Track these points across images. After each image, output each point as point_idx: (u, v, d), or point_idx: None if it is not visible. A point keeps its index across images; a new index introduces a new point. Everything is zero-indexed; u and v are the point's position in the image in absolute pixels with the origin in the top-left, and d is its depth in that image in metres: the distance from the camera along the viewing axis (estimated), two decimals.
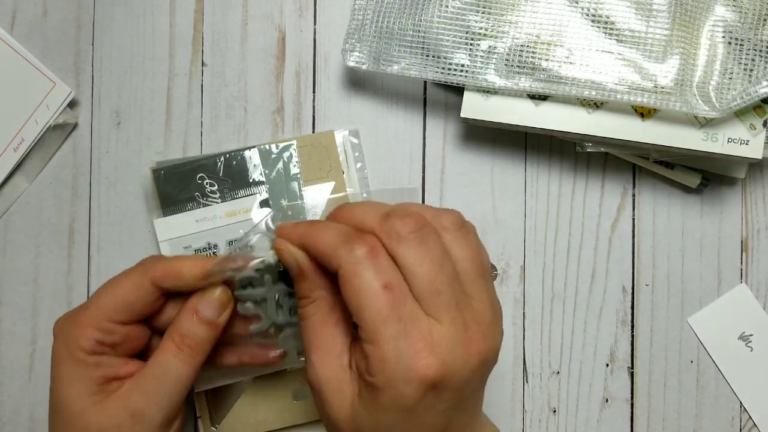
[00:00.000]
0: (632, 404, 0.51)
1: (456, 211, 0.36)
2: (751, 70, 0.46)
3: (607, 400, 0.51)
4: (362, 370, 0.34)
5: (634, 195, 0.51)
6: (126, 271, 0.41)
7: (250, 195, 0.51)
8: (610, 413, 0.51)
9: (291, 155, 0.51)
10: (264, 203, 0.50)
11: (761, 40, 0.46)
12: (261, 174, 0.51)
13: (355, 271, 0.34)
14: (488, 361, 0.35)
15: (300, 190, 0.51)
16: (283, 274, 0.40)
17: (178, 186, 0.51)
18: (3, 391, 0.52)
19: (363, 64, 0.50)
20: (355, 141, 0.52)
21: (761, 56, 0.46)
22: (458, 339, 0.33)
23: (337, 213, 0.38)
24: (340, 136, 0.52)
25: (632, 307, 0.51)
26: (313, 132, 0.52)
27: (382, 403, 0.33)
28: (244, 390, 0.50)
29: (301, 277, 0.37)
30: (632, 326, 0.51)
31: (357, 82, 0.53)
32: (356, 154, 0.52)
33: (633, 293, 0.51)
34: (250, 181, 0.51)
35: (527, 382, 0.51)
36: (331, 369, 0.35)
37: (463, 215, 0.36)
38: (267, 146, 0.51)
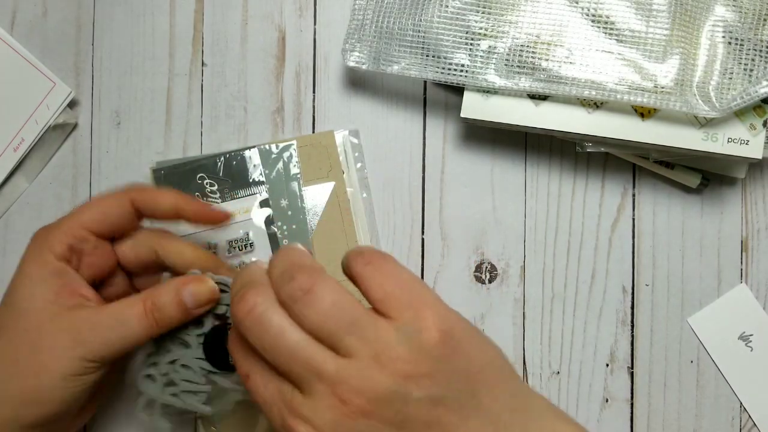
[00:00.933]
0: (632, 404, 0.51)
1: (300, 276, 0.34)
2: (751, 70, 0.46)
3: (607, 400, 0.51)
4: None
5: (634, 195, 0.51)
6: (109, 190, 0.44)
7: (250, 195, 0.51)
8: (610, 413, 0.51)
9: (291, 155, 0.51)
10: (264, 203, 0.51)
11: (761, 40, 0.46)
12: (261, 174, 0.51)
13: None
14: (376, 416, 0.33)
15: (300, 190, 0.51)
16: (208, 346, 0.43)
17: (178, 186, 0.50)
18: None
19: (363, 64, 0.50)
20: (355, 141, 0.52)
21: (761, 56, 0.46)
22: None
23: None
24: (340, 136, 0.52)
25: (632, 307, 0.51)
26: (313, 132, 0.52)
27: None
28: (244, 390, 0.50)
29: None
30: (632, 326, 0.51)
31: (357, 82, 0.53)
32: (356, 154, 0.52)
33: (633, 293, 0.51)
34: (250, 181, 0.51)
35: (527, 382, 0.51)
36: None
37: (309, 277, 0.34)
38: (267, 146, 0.51)
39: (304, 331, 0.34)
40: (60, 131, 0.53)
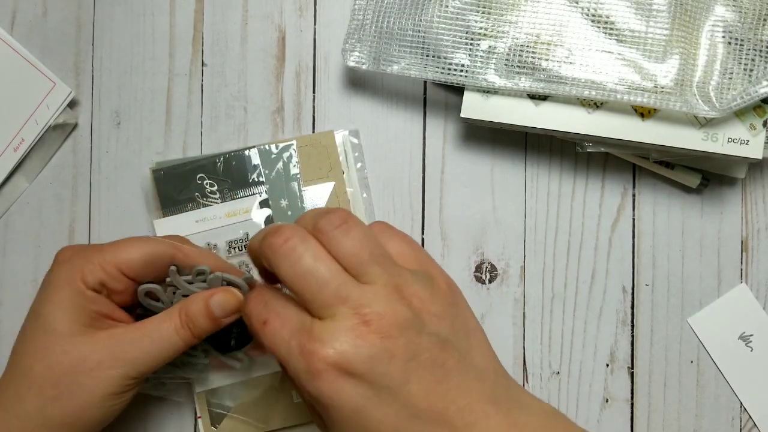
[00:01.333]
0: (632, 404, 0.51)
1: (337, 211, 0.37)
2: (751, 70, 0.46)
3: (607, 400, 0.51)
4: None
5: (634, 195, 0.51)
6: (155, 237, 0.44)
7: (249, 195, 0.51)
8: (610, 413, 0.51)
9: (291, 155, 0.51)
10: (264, 203, 0.50)
11: (761, 40, 0.46)
12: (260, 174, 0.51)
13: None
14: (393, 340, 0.34)
15: (300, 191, 0.51)
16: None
17: (177, 186, 0.50)
18: None
19: (363, 64, 0.50)
20: (355, 141, 0.52)
21: (761, 56, 0.46)
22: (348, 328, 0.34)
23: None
24: (340, 136, 0.52)
25: (632, 307, 0.51)
26: (313, 132, 0.52)
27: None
28: (244, 390, 0.50)
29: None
30: (632, 326, 0.51)
31: (357, 82, 0.53)
32: (356, 154, 0.52)
33: (633, 293, 0.51)
34: (250, 181, 0.51)
35: (527, 382, 0.51)
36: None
37: (345, 213, 0.37)
38: (267, 146, 0.51)
39: (335, 261, 0.35)
40: (60, 131, 0.53)
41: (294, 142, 0.51)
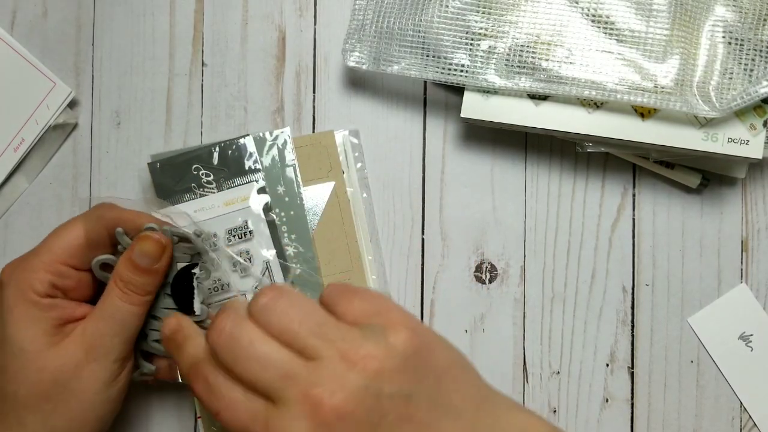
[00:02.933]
0: (632, 404, 0.51)
1: (265, 288, 0.36)
2: (752, 70, 0.46)
3: (607, 400, 0.51)
4: None
5: (634, 195, 0.51)
6: (78, 217, 0.43)
7: (246, 183, 0.51)
8: (610, 413, 0.51)
9: (285, 141, 0.51)
10: (261, 191, 0.51)
11: (761, 40, 0.46)
12: (256, 162, 0.51)
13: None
14: (352, 416, 0.32)
15: (296, 177, 0.51)
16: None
17: (174, 177, 0.50)
18: None
19: (363, 64, 0.50)
20: (355, 141, 0.52)
21: (761, 56, 0.46)
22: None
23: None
24: (340, 136, 0.52)
25: (632, 307, 0.51)
26: (313, 132, 0.52)
27: None
28: None
29: None
30: (632, 326, 0.51)
31: (357, 82, 0.53)
32: (356, 154, 0.52)
33: (633, 293, 0.51)
34: (246, 169, 0.51)
35: (527, 382, 0.51)
36: None
37: (274, 287, 0.36)
38: (261, 134, 0.51)
39: (273, 340, 0.34)
40: (60, 131, 0.53)
41: (287, 128, 0.51)
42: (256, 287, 0.50)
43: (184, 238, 0.43)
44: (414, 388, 0.33)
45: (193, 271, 0.44)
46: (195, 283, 0.44)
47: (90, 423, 0.41)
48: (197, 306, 0.44)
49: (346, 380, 0.32)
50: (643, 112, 0.47)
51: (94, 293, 0.44)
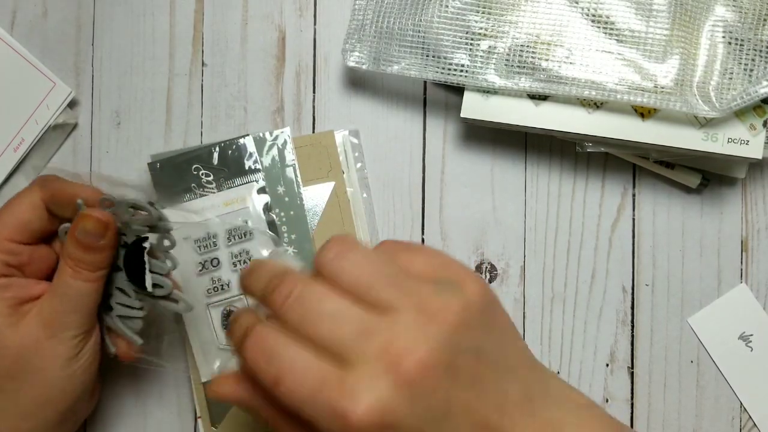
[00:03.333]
0: (632, 404, 0.51)
1: (332, 239, 0.34)
2: (751, 70, 0.46)
3: (607, 400, 0.51)
4: None
5: (634, 195, 0.51)
6: (24, 189, 0.43)
7: (246, 183, 0.51)
8: (610, 413, 0.50)
9: (285, 141, 0.51)
10: (261, 191, 0.51)
11: (761, 40, 0.46)
12: (256, 162, 0.51)
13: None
14: (431, 372, 0.31)
15: (296, 177, 0.51)
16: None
17: (173, 177, 0.50)
18: None
19: (363, 64, 0.50)
20: (355, 141, 0.52)
21: (761, 56, 0.46)
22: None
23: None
24: (340, 136, 0.52)
25: (632, 307, 0.51)
26: (313, 132, 0.52)
27: None
28: None
29: None
30: (632, 326, 0.51)
31: (357, 82, 0.53)
32: (356, 154, 0.52)
33: (633, 293, 0.51)
34: (246, 169, 0.51)
35: None
36: None
37: (340, 238, 0.34)
38: (261, 134, 0.51)
39: (344, 296, 0.32)
40: (60, 131, 0.53)
41: (287, 128, 0.51)
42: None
43: (139, 207, 0.41)
44: (485, 343, 0.32)
45: (144, 245, 0.42)
46: (146, 258, 0.42)
47: (56, 399, 0.41)
48: (148, 282, 0.42)
49: (426, 333, 0.31)
50: (643, 112, 0.47)
51: (54, 267, 0.43)
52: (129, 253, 0.43)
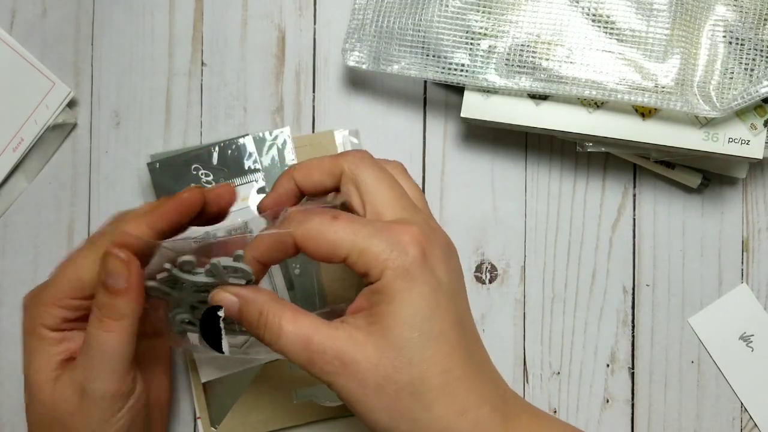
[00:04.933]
0: (633, 405, 0.51)
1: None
2: (752, 70, 0.46)
3: (607, 401, 0.51)
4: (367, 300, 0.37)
5: (634, 195, 0.51)
6: (86, 244, 0.41)
7: (246, 183, 0.50)
8: (610, 414, 0.50)
9: (285, 141, 0.51)
10: (261, 191, 0.50)
11: (762, 40, 0.46)
12: (256, 161, 0.51)
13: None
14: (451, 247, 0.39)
15: None
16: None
17: (173, 177, 0.50)
18: (2, 391, 0.52)
19: (363, 63, 0.50)
20: (355, 141, 0.52)
21: (762, 56, 0.46)
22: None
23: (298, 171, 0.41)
24: (340, 136, 0.51)
25: (633, 308, 0.51)
26: (313, 132, 0.52)
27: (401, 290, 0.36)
28: (244, 390, 0.50)
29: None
30: (633, 326, 0.51)
31: (357, 82, 0.53)
32: None
33: (634, 293, 0.51)
34: (246, 169, 0.51)
35: (528, 382, 0.51)
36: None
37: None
38: (261, 134, 0.51)
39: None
40: (59, 131, 0.52)
41: (287, 128, 0.51)
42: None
43: (238, 270, 0.39)
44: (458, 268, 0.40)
45: (218, 313, 0.40)
46: (222, 325, 0.41)
47: None
48: (225, 347, 0.41)
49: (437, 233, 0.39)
50: (644, 112, 0.46)
51: None
52: (204, 319, 0.41)
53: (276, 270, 0.50)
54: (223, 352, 0.41)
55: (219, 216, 0.43)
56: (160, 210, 0.40)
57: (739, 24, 0.46)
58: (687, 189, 0.51)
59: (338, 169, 0.40)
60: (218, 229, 0.50)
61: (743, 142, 0.46)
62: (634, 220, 0.51)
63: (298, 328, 0.37)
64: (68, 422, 0.39)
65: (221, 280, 0.39)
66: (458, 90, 0.50)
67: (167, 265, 0.39)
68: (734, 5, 0.46)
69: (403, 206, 0.39)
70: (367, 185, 0.39)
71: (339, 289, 0.50)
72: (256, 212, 0.49)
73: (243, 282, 0.39)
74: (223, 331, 0.40)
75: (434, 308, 0.36)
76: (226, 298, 0.39)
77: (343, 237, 0.37)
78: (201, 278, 0.40)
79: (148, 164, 0.51)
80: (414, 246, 0.37)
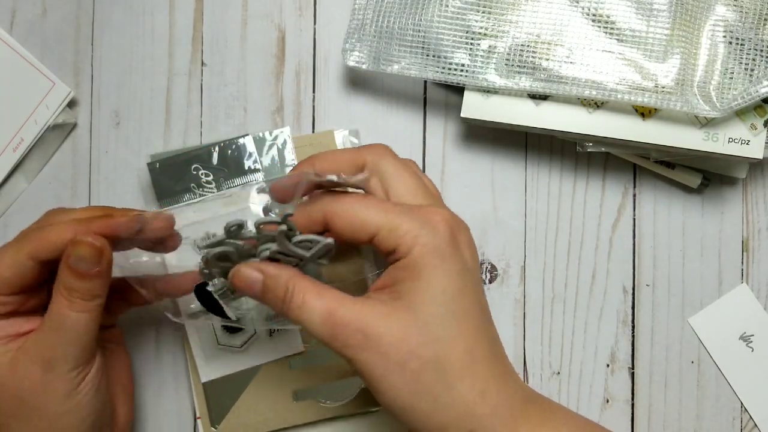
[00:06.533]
0: (633, 405, 0.51)
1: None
2: (752, 70, 0.46)
3: (607, 401, 0.51)
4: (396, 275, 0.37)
5: (634, 195, 0.51)
6: (5, 246, 0.41)
7: (246, 183, 0.50)
8: (610, 414, 0.50)
9: (285, 141, 0.51)
10: (261, 191, 0.50)
11: (762, 40, 0.46)
12: (256, 161, 0.51)
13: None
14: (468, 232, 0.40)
15: None
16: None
17: (173, 177, 0.50)
18: None
19: (363, 63, 0.50)
20: (355, 141, 0.52)
21: (762, 56, 0.46)
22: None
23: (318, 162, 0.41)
24: (340, 136, 0.51)
25: (633, 308, 0.51)
26: (313, 132, 0.52)
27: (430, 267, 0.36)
28: (244, 390, 0.50)
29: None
30: (633, 326, 0.51)
31: (357, 82, 0.53)
32: None
33: (634, 293, 0.51)
34: (246, 169, 0.51)
35: (527, 382, 0.51)
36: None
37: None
38: (261, 134, 0.51)
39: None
40: (59, 131, 0.52)
41: (287, 128, 0.51)
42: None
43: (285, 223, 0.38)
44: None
45: (207, 288, 0.41)
46: (216, 297, 0.41)
47: (71, 429, 0.40)
48: (230, 313, 0.42)
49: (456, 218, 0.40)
50: (644, 112, 0.46)
51: (44, 303, 0.42)
52: (199, 295, 0.42)
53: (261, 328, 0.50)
54: (229, 318, 0.42)
55: (159, 243, 0.43)
56: (90, 225, 0.40)
57: (740, 24, 0.46)
58: (687, 189, 0.51)
59: (361, 159, 0.41)
60: (217, 229, 0.49)
61: (743, 142, 0.46)
62: (634, 220, 0.51)
63: (323, 302, 0.37)
64: (33, 399, 0.39)
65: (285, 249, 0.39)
66: (458, 90, 0.50)
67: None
68: (734, 5, 0.46)
69: (425, 195, 0.40)
70: (390, 174, 0.40)
71: (340, 290, 0.50)
72: (257, 212, 0.49)
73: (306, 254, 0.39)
74: (220, 301, 0.41)
75: (462, 288, 0.37)
76: (250, 274, 0.39)
77: (375, 214, 0.37)
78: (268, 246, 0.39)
79: (148, 164, 0.51)
80: (444, 226, 0.37)
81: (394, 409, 0.36)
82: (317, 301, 0.37)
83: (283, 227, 0.38)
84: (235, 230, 0.38)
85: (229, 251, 0.39)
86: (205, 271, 0.41)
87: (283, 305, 0.38)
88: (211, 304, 0.42)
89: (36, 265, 0.40)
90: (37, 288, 0.42)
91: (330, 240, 0.38)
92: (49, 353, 0.39)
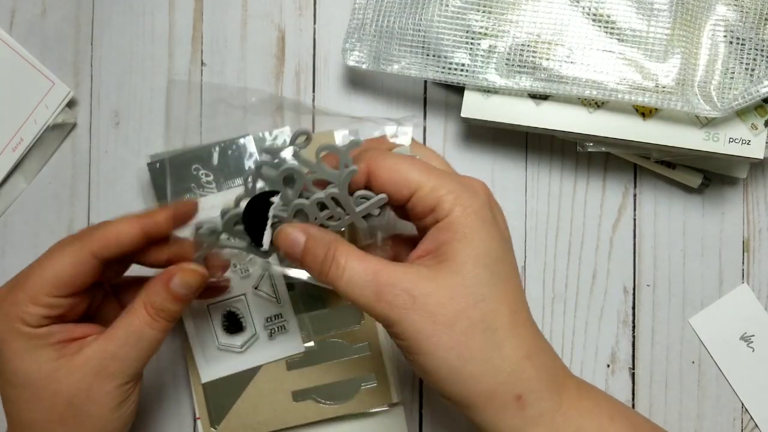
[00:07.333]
0: (633, 405, 0.50)
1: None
2: (753, 70, 0.46)
3: None
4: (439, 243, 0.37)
5: (635, 195, 0.51)
6: (63, 244, 0.41)
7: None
8: None
9: (285, 141, 0.51)
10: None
11: (762, 40, 0.46)
12: (256, 161, 0.51)
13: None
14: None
15: None
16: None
17: (173, 177, 0.50)
18: None
19: (363, 63, 0.49)
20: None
21: (762, 56, 0.46)
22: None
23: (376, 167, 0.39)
24: (340, 136, 0.51)
25: (633, 308, 0.51)
26: (313, 131, 0.52)
27: (473, 229, 0.36)
28: (243, 391, 0.50)
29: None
30: (633, 327, 0.51)
31: (357, 82, 0.52)
32: None
33: (634, 293, 0.51)
34: (246, 169, 0.50)
35: None
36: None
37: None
38: (261, 134, 0.51)
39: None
40: (59, 131, 0.52)
41: (287, 127, 0.51)
42: (256, 288, 0.50)
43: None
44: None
45: (271, 199, 0.39)
46: (270, 213, 0.39)
47: None
48: (266, 240, 0.40)
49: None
50: (644, 112, 0.46)
51: (88, 308, 0.43)
52: (252, 205, 0.39)
53: (276, 270, 0.50)
54: (262, 245, 0.40)
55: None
56: (154, 217, 0.41)
57: (740, 24, 0.46)
58: (688, 189, 0.51)
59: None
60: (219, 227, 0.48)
61: (744, 142, 0.46)
62: (634, 220, 0.51)
63: (367, 264, 0.36)
64: (86, 407, 0.40)
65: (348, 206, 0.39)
66: (458, 90, 0.50)
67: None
68: (735, 5, 0.46)
69: (457, 173, 0.40)
70: (425, 156, 0.40)
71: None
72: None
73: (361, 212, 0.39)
74: (270, 220, 0.39)
75: (505, 252, 0.37)
76: (293, 234, 0.38)
77: (417, 171, 0.37)
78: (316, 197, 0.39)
79: (148, 164, 0.51)
80: (483, 192, 0.38)
81: (440, 373, 0.35)
82: (360, 263, 0.36)
83: (351, 169, 0.38)
84: (302, 142, 0.38)
85: (293, 172, 0.38)
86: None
87: (322, 267, 0.37)
88: (254, 224, 0.40)
89: (98, 264, 0.40)
90: (86, 292, 0.42)
91: (383, 195, 0.38)
92: (116, 366, 0.40)
